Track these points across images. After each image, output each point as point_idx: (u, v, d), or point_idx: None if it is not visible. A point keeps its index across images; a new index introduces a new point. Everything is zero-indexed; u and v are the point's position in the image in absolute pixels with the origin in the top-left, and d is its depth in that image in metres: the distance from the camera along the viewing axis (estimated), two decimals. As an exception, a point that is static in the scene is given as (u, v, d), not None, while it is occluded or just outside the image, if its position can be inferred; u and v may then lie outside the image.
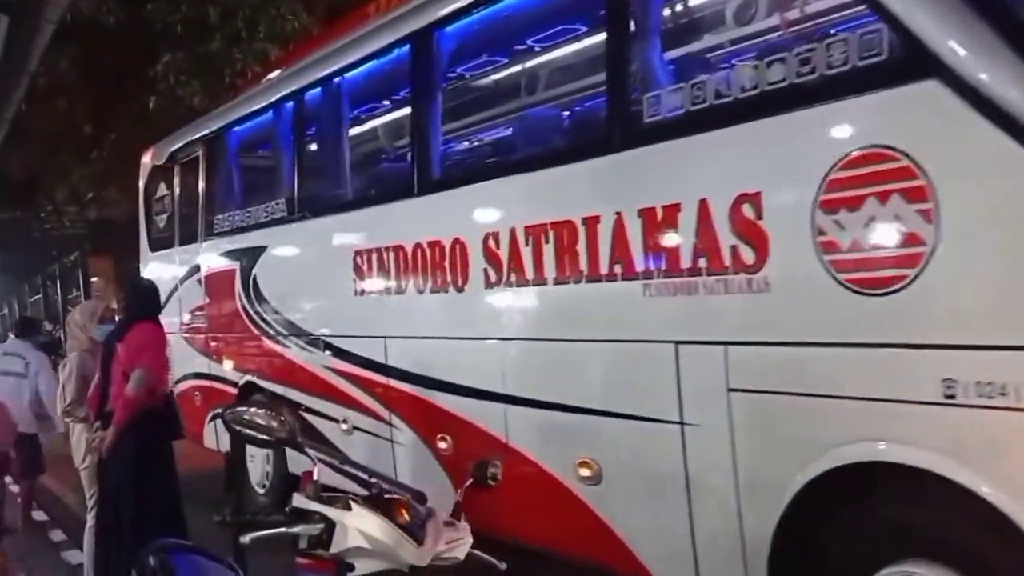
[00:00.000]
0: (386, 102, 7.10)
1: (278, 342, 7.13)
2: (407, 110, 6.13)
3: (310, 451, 2.60)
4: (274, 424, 2.48)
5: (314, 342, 6.61)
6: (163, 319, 9.56)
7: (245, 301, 7.62)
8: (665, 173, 3.96)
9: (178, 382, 9.01)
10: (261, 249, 7.33)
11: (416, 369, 5.56)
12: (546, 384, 4.62)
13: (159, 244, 9.56)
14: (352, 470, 3.02)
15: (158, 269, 9.64)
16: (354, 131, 7.04)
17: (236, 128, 8.02)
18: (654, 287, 3.94)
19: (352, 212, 6.34)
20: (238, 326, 7.79)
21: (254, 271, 7.45)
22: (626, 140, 4.10)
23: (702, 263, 3.71)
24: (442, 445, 5.37)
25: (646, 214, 3.96)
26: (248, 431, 2.49)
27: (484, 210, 5.01)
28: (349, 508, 2.30)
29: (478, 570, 2.50)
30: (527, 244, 4.63)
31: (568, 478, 4.47)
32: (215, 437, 8.34)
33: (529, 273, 4.64)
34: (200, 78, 15.09)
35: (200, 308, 8.51)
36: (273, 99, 7.21)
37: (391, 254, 5.72)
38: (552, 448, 4.62)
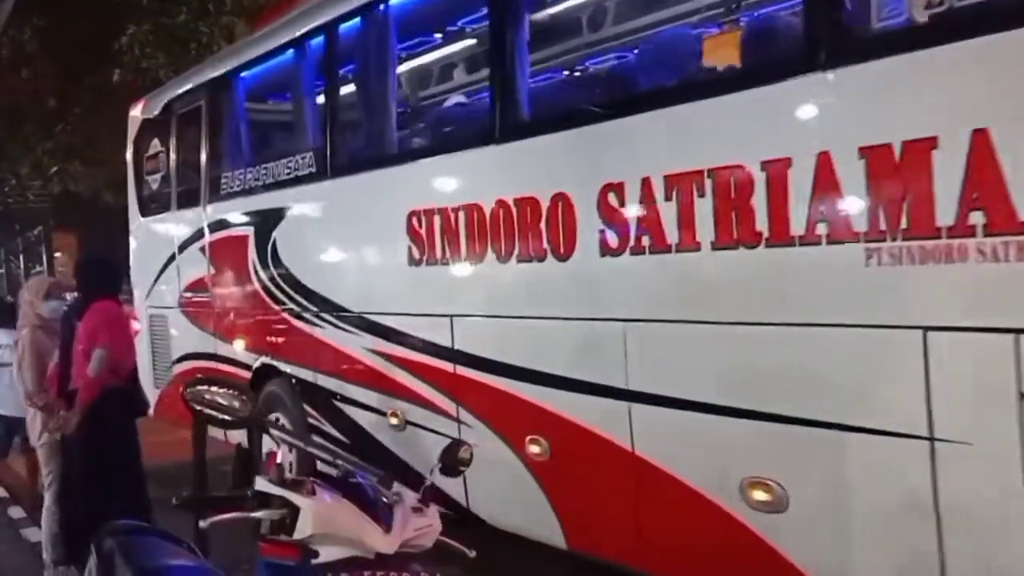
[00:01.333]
0: (450, 28, 5.87)
1: (304, 320, 5.94)
2: (482, 37, 4.93)
3: (273, 432, 2.45)
4: (236, 404, 2.40)
5: (353, 321, 5.44)
6: (158, 292, 8.46)
7: (261, 272, 6.41)
8: (907, 93, 2.83)
9: (178, 362, 7.81)
10: (282, 212, 6.12)
11: (496, 355, 4.42)
12: (702, 381, 3.50)
13: (152, 208, 8.27)
14: (317, 452, 2.87)
15: (151, 236, 8.37)
16: (406, 67, 5.83)
17: (249, 71, 6.74)
18: (886, 253, 2.83)
19: (406, 165, 5.14)
20: (252, 300, 6.58)
21: (273, 237, 6.23)
22: (847, 51, 2.96)
23: (976, 219, 2.62)
24: (534, 450, 4.24)
25: (873, 153, 2.85)
26: (209, 411, 2.41)
27: (600, 156, 3.87)
28: (314, 493, 2.17)
29: (447, 557, 2.34)
30: (669, 198, 3.50)
31: (730, 502, 3.37)
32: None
33: (670, 236, 3.50)
34: (166, 51, 14.89)
35: (204, 280, 7.26)
36: (298, 34, 5.96)
37: (462, 215, 4.56)
38: (705, 462, 3.51)
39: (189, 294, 7.57)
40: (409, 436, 5.07)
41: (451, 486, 4.76)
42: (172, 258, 7.83)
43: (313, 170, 5.77)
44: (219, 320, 7.11)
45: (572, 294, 4.01)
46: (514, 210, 4.24)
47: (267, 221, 6.31)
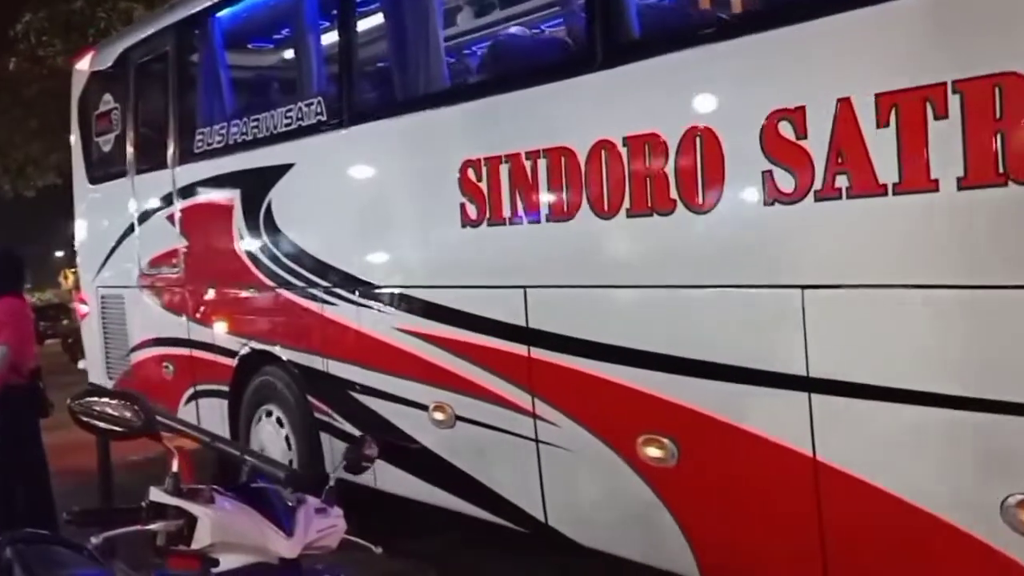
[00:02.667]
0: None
1: (310, 297, 4.84)
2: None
3: (167, 443, 2.23)
4: (127, 414, 2.19)
5: (382, 297, 4.38)
6: (111, 269, 7.19)
7: (250, 242, 5.28)
8: None
9: (138, 349, 6.59)
10: (280, 171, 4.99)
11: (594, 335, 3.42)
12: (929, 367, 2.60)
13: (104, 174, 6.97)
14: (224, 447, 2.80)
15: (102, 206, 7.09)
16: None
17: (230, 9, 5.58)
18: None
19: (459, 106, 4.10)
20: (238, 276, 5.44)
21: (267, 201, 5.10)
22: None
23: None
24: (652, 453, 3.28)
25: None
26: (100, 423, 2.20)
27: (762, 78, 2.93)
28: (212, 501, 2.06)
29: (354, 556, 2.23)
30: (886, 123, 2.59)
31: (982, 529, 2.49)
32: (199, 422, 5.98)
33: (882, 173, 2.59)
34: (63, 38, 14.30)
35: (173, 254, 6.07)
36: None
37: (543, 162, 3.56)
38: (937, 474, 2.60)
39: (153, 271, 6.37)
40: (460, 434, 4.06)
41: (519, 495, 3.83)
42: (130, 230, 6.59)
43: (323, 119, 4.67)
44: (193, 300, 5.94)
45: (715, 254, 3.07)
46: (623, 151, 3.27)
47: (259, 182, 5.18)
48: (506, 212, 3.73)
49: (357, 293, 4.52)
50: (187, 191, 5.86)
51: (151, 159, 6.32)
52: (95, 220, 7.24)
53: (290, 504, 2.15)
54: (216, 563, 2.06)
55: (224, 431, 5.70)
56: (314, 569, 2.13)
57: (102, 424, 2.26)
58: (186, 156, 5.87)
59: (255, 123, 5.20)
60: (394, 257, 4.41)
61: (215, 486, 2.12)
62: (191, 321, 5.96)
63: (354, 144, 4.54)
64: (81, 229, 7.48)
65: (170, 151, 6.01)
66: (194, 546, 2.03)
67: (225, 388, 5.66)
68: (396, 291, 4.31)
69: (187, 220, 5.92)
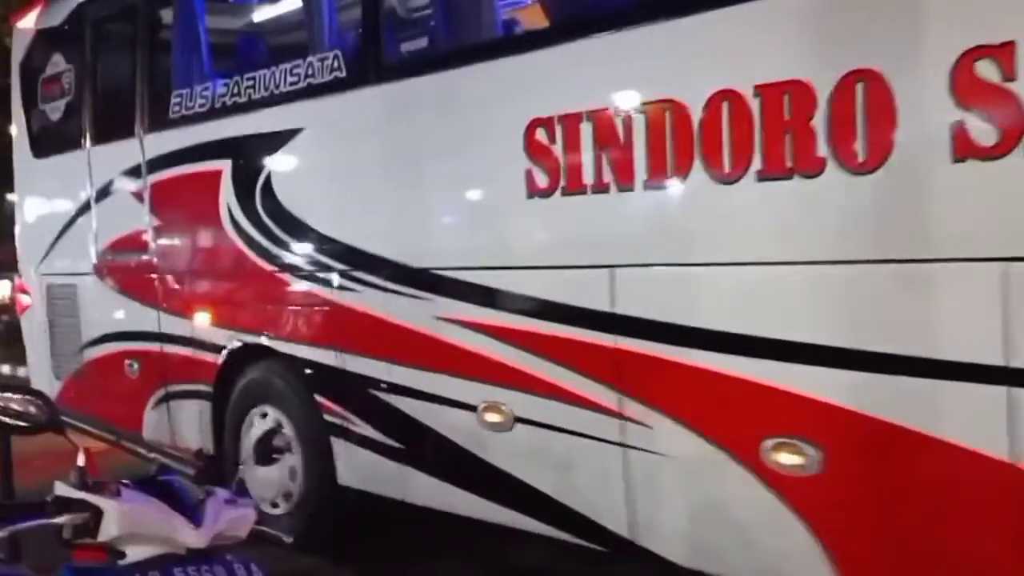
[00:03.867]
0: None
1: (321, 282, 4.17)
2: None
3: (71, 437, 2.29)
4: (32, 410, 2.29)
5: (420, 281, 3.74)
6: (60, 255, 6.32)
7: (243, 220, 4.56)
8: None
9: (94, 344, 5.79)
10: (285, 136, 4.31)
11: (707, 322, 2.88)
12: None
13: (51, 145, 6.13)
14: (130, 446, 2.76)
15: (49, 182, 6.24)
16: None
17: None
18: None
19: (525, 56, 3.49)
20: (226, 259, 4.72)
21: (265, 172, 4.40)
22: None
23: None
24: (785, 460, 2.73)
25: None
26: (3, 418, 2.28)
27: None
28: (118, 493, 2.05)
29: (264, 546, 2.37)
30: None
31: None
32: (172, 427, 5.23)
33: None
34: None
35: (139, 236, 5.29)
36: None
37: (639, 119, 3.00)
38: None
39: (113, 255, 5.58)
40: (519, 438, 3.46)
41: (597, 508, 3.27)
42: (84, 210, 5.78)
43: (342, 76, 4.03)
44: (166, 288, 5.18)
45: (882, 221, 2.57)
46: (753, 104, 2.74)
47: (255, 151, 4.49)
48: (587, 180, 3.16)
49: (385, 277, 3.88)
50: (160, 163, 5.10)
51: (113, 128, 5.52)
52: (39, 200, 6.39)
53: (199, 495, 2.17)
54: (123, 555, 2.07)
55: (204, 437, 4.98)
56: (223, 560, 2.13)
57: (5, 419, 2.28)
58: (159, 123, 5.11)
59: (249, 83, 4.49)
60: (436, 235, 3.77)
61: (123, 480, 2.13)
62: (163, 312, 5.20)
63: (384, 104, 3.89)
64: (21, 210, 6.60)
65: (138, 118, 5.24)
66: (100, 538, 2.04)
67: (206, 388, 4.93)
68: (438, 274, 3.68)
69: (159, 196, 5.16)
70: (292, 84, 4.25)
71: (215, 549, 2.11)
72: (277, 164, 4.36)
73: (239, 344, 4.70)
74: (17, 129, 6.51)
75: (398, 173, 3.89)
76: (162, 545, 2.09)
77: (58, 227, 6.06)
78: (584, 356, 3.22)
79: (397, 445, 3.96)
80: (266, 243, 4.45)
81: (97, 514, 2.02)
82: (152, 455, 2.67)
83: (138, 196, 5.28)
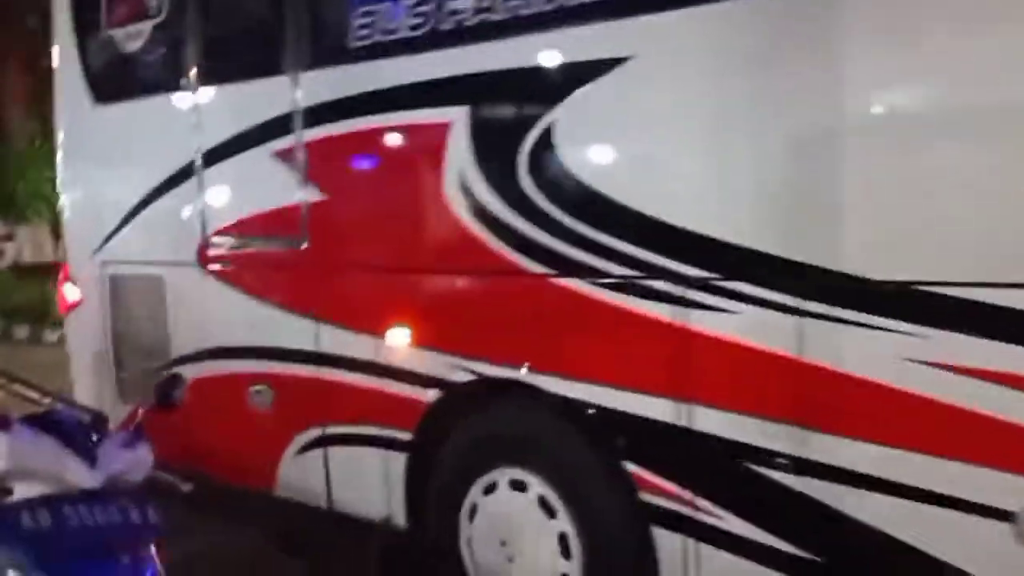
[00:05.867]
0: None
1: (651, 296, 2.67)
2: None
3: None
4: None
5: (877, 299, 2.28)
6: (134, 236, 4.55)
7: (493, 197, 3.00)
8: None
9: (184, 362, 4.19)
10: (593, 71, 2.77)
11: None
12: None
13: (124, 87, 4.42)
14: (22, 390, 2.48)
15: (118, 138, 4.52)
16: None
17: None
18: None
19: None
20: (451, 249, 3.18)
21: (544, 127, 2.87)
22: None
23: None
24: None
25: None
26: None
27: None
28: (9, 428, 2.07)
29: (160, 491, 2.24)
30: None
31: None
32: (331, 485, 3.68)
33: None
34: None
35: (286, 212, 3.69)
36: None
37: None
38: None
39: (234, 240, 3.96)
40: None
41: None
42: (182, 175, 4.15)
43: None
44: (331, 289, 3.61)
45: None
46: None
47: (524, 95, 2.96)
48: None
49: (800, 292, 2.42)
50: (328, 112, 3.51)
51: (240, 62, 3.90)
52: (101, 160, 4.67)
53: (94, 436, 2.17)
54: (10, 492, 2.02)
55: (393, 503, 3.47)
56: (116, 502, 2.06)
57: None
58: (328, 55, 3.52)
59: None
60: (934, 227, 2.32)
61: (14, 415, 2.10)
62: (324, 323, 3.63)
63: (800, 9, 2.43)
64: (71, 174, 4.90)
65: (290, 48, 3.65)
66: None
67: (400, 435, 3.40)
68: (935, 293, 2.26)
69: (326, 159, 3.57)
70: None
71: (108, 492, 2.06)
72: (570, 115, 2.84)
73: (469, 377, 3.17)
74: (63, 64, 4.79)
75: (834, 123, 2.42)
76: (53, 484, 2.06)
77: (133, 198, 4.39)
78: None
79: (810, 558, 2.52)
80: (536, 232, 2.93)
81: None
82: (46, 400, 2.32)
83: (286, 159, 3.68)
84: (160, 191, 4.29)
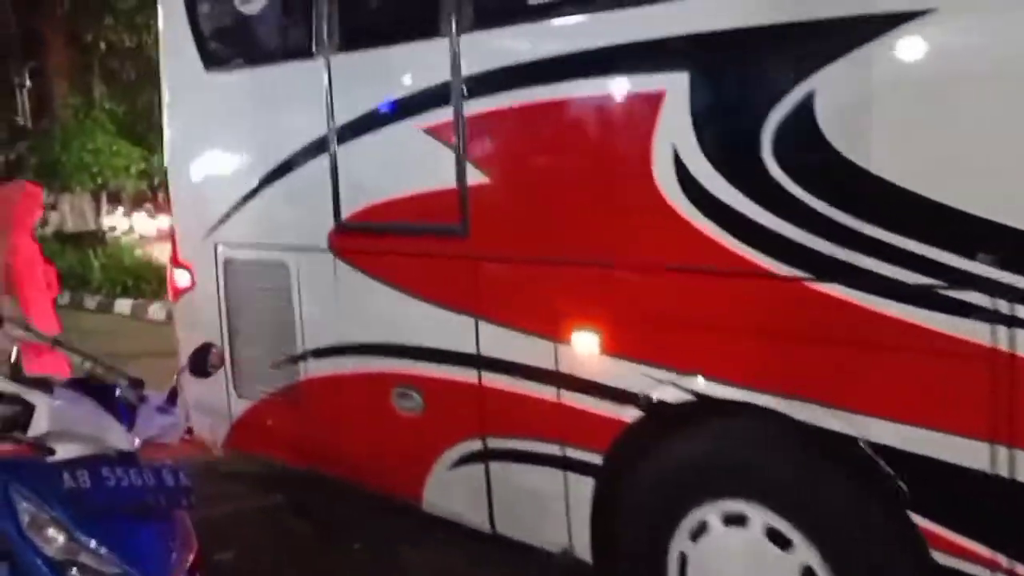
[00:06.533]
0: None
1: (957, 311, 2.12)
2: None
3: (8, 332, 2.34)
4: None
5: None
6: (254, 217, 3.88)
7: (719, 181, 2.48)
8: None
9: (314, 358, 3.77)
10: (880, 26, 2.18)
11: None
12: None
13: (242, 52, 3.99)
14: (65, 351, 2.75)
15: (235, 108, 4.08)
16: None
17: None
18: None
19: None
20: (659, 243, 2.66)
21: (804, 96, 2.31)
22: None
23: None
24: None
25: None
26: None
27: None
28: (51, 391, 2.14)
29: (194, 454, 2.41)
30: None
31: None
32: (495, 505, 3.24)
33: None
34: None
35: (441, 195, 3.18)
36: None
37: None
38: None
39: (376, 225, 3.50)
40: None
41: None
42: (312, 150, 3.68)
43: None
44: (498, 284, 3.13)
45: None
46: None
47: (765, 61, 2.43)
48: None
49: None
50: (495, 80, 3.00)
51: (385, 24, 3.41)
52: (215, 132, 4.23)
53: (131, 400, 2.24)
54: (52, 452, 2.09)
55: (576, 531, 3.01)
56: (152, 464, 2.13)
57: None
58: (498, 14, 3.02)
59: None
60: None
61: (59, 378, 2.18)
62: (487, 322, 3.15)
63: None
64: (179, 147, 4.45)
65: (447, 7, 3.14)
66: (30, 433, 2.05)
67: (586, 456, 2.93)
68: None
69: (491, 136, 3.08)
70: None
71: (146, 454, 2.15)
72: (830, 83, 2.30)
73: (682, 396, 2.68)
74: (170, 27, 4.34)
75: None
76: (91, 445, 2.12)
77: (253, 177, 3.95)
78: None
79: None
80: (783, 225, 2.40)
81: (28, 409, 2.06)
82: (87, 363, 2.43)
83: (441, 135, 3.18)
84: (285, 169, 3.83)
